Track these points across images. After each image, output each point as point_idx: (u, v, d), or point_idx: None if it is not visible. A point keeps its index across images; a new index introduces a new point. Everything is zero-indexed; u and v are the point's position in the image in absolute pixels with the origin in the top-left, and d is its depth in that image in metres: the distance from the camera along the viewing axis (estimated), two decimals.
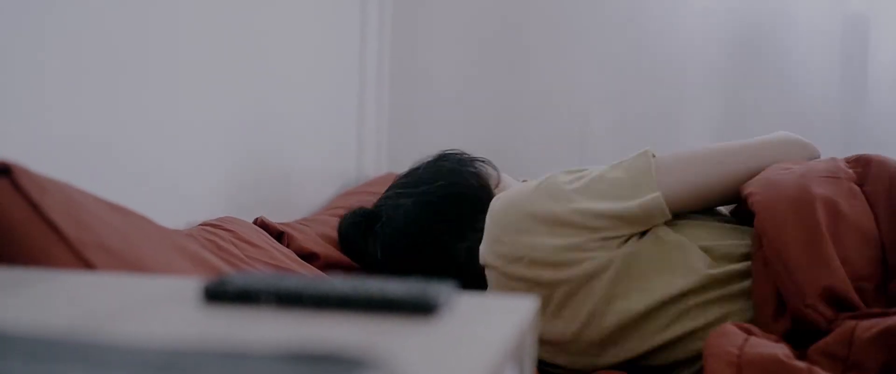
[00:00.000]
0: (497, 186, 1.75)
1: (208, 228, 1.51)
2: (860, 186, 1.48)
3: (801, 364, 1.21)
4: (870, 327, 1.25)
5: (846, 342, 1.25)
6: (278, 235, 1.69)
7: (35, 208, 0.93)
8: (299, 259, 1.63)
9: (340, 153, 2.40)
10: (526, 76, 2.61)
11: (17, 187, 0.94)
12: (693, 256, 1.47)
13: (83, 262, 0.93)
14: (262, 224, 1.69)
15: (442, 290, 0.76)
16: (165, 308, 0.75)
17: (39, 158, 1.03)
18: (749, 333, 1.30)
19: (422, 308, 0.73)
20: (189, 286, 0.81)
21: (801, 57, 2.45)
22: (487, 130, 2.64)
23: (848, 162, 1.55)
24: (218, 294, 0.75)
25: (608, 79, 2.57)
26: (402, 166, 2.51)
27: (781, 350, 1.24)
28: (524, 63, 2.61)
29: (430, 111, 2.66)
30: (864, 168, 1.51)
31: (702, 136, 2.50)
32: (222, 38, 1.75)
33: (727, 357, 1.24)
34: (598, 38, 2.57)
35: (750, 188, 1.51)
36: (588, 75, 2.58)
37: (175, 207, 1.55)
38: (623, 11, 2.55)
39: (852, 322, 1.27)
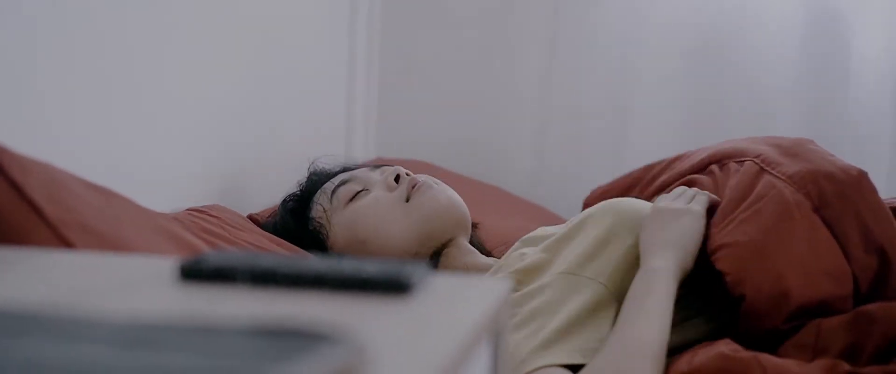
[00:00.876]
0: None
1: (194, 213, 1.52)
2: (817, 209, 1.37)
3: (747, 354, 1.21)
4: (838, 317, 1.26)
5: (814, 329, 1.25)
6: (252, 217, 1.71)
7: (16, 188, 0.94)
8: (288, 244, 1.64)
9: (329, 139, 2.40)
10: (512, 65, 2.63)
11: None
12: None
13: (63, 241, 0.94)
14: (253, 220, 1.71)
15: (416, 270, 0.77)
16: (142, 287, 0.76)
17: (22, 145, 1.03)
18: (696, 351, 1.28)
19: (396, 288, 0.74)
20: (166, 265, 0.81)
21: (761, 51, 2.46)
22: (474, 117, 2.65)
23: (793, 181, 1.40)
24: (194, 273, 0.76)
25: (595, 69, 2.58)
26: (391, 152, 2.52)
27: (726, 346, 1.23)
28: (511, 52, 2.62)
29: (419, 97, 2.68)
30: (817, 189, 1.38)
31: (667, 129, 2.51)
32: (210, 25, 1.75)
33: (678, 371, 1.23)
34: (587, 30, 2.58)
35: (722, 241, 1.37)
36: (572, 66, 2.58)
37: (162, 194, 1.55)
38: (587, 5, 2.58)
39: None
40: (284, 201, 1.69)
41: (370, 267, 0.76)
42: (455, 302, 0.75)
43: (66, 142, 1.33)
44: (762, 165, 1.43)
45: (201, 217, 1.48)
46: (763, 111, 2.42)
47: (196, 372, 0.46)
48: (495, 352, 0.82)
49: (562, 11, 2.58)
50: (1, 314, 0.58)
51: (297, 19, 2.15)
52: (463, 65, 2.65)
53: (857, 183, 1.38)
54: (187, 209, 1.53)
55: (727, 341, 1.23)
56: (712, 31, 2.49)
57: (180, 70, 1.65)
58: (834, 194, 1.37)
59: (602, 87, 2.56)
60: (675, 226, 1.35)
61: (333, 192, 1.62)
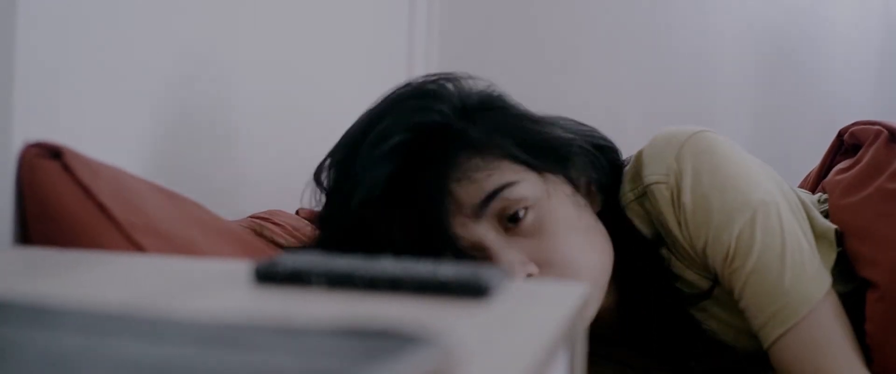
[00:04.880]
0: None
1: (257, 220, 1.51)
2: None
3: None
4: None
5: None
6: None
7: (86, 191, 0.94)
8: None
9: None
10: (576, 71, 2.60)
11: (68, 169, 0.94)
12: None
13: (134, 245, 0.93)
14: (305, 215, 1.68)
15: (494, 274, 0.75)
16: (216, 289, 0.75)
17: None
18: None
19: (474, 291, 0.72)
20: (240, 268, 0.81)
21: (837, 62, 2.41)
22: None
23: None
24: (269, 275, 0.75)
25: (642, 79, 2.55)
26: None
27: None
28: (575, 57, 2.60)
29: None
30: None
31: (738, 138, 2.47)
32: (277, 26, 1.74)
33: None
34: (635, 39, 2.55)
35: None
36: (623, 76, 2.56)
37: (230, 199, 1.55)
38: (657, 14, 2.54)
39: None
40: None
41: (448, 270, 0.75)
42: (534, 306, 0.74)
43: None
44: None
45: (264, 225, 1.47)
46: (836, 122, 2.37)
47: (286, 372, 0.44)
48: (572, 356, 0.80)
49: (631, 17, 2.55)
50: (80, 313, 0.57)
51: (355, 11, 2.14)
52: (524, 68, 2.63)
53: None
54: (250, 216, 1.52)
55: None
56: (786, 41, 2.45)
57: (240, 66, 1.64)
58: None
59: (672, 94, 2.53)
60: None
61: None
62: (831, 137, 1.58)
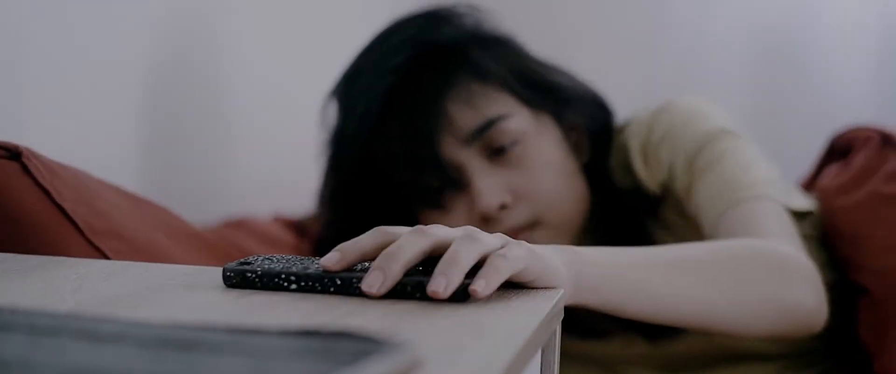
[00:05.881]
0: None
1: (229, 228, 1.48)
2: None
3: None
4: None
5: None
6: (300, 229, 1.65)
7: (46, 193, 0.91)
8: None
9: None
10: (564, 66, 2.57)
11: (27, 171, 0.91)
12: None
13: (95, 249, 0.91)
14: (282, 222, 1.65)
15: (467, 280, 0.73)
16: (180, 294, 0.72)
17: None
18: None
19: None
20: (206, 273, 0.78)
21: (834, 59, 2.39)
22: None
23: None
24: (237, 279, 0.73)
25: (636, 76, 2.53)
26: None
27: None
28: (561, 59, 2.56)
29: None
30: None
31: None
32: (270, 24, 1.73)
33: None
34: (628, 33, 2.53)
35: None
36: (617, 73, 2.53)
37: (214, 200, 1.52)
38: (653, 10, 2.52)
39: None
40: None
41: (419, 275, 0.72)
42: (507, 312, 0.72)
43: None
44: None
45: (234, 233, 1.44)
46: (833, 120, 2.36)
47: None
48: (543, 363, 0.78)
49: (625, 14, 2.53)
50: (33, 316, 0.55)
51: (339, 13, 2.12)
52: None
53: None
54: (222, 224, 1.49)
55: None
56: (782, 37, 2.43)
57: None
58: None
59: (666, 91, 2.50)
60: None
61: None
62: (827, 135, 1.57)
